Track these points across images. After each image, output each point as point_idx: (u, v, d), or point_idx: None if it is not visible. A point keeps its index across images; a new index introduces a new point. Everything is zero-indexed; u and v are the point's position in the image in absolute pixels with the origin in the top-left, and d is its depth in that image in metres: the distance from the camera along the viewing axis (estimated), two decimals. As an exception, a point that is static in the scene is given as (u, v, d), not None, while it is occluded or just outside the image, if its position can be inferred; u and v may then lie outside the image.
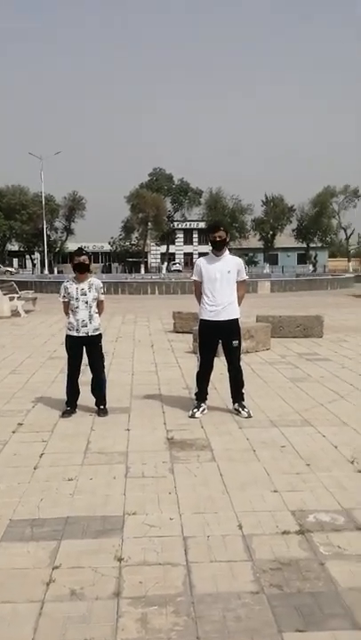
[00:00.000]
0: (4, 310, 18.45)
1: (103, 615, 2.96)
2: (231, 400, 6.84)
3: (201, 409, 6.68)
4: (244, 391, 6.85)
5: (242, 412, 6.63)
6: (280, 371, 9.29)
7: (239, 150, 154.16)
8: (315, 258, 76.98)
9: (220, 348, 6.84)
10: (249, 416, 6.56)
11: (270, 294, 30.93)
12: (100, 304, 6.89)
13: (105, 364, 7.11)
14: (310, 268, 70.39)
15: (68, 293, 6.76)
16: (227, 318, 6.57)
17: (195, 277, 6.81)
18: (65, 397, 6.91)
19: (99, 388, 6.90)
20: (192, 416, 6.57)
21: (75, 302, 6.72)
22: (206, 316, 6.64)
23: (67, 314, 6.84)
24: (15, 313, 18.83)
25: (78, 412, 6.80)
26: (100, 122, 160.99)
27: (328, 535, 3.79)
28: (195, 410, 6.67)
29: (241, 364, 6.92)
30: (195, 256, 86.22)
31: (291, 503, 4.28)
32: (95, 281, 6.87)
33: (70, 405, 6.84)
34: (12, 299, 19.39)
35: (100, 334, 6.92)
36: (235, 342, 6.68)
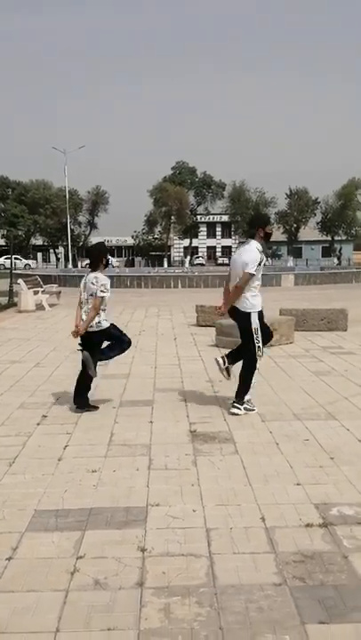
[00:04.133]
0: (28, 304, 18.61)
1: (126, 605, 2.99)
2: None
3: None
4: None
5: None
6: (304, 364, 9.25)
7: (264, 142, 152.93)
8: (339, 251, 76.19)
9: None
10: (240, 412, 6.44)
11: (294, 287, 30.77)
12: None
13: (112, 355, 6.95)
14: (335, 260, 69.75)
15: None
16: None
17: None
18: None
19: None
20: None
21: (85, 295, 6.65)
22: (261, 308, 6.47)
23: (101, 310, 6.54)
24: (40, 307, 18.99)
25: (102, 404, 6.82)
26: (124, 115, 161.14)
27: (352, 528, 3.77)
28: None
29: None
30: (218, 250, 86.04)
31: (314, 496, 4.27)
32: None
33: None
34: (36, 293, 19.57)
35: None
36: None
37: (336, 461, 4.98)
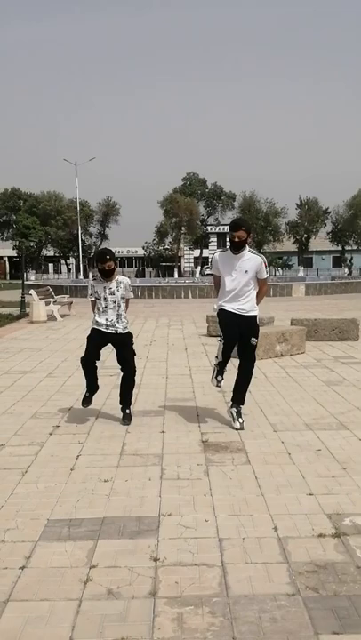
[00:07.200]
0: (40, 314, 18.71)
1: (139, 614, 2.99)
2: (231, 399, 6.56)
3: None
4: (248, 393, 6.57)
5: (235, 420, 6.34)
6: (315, 374, 9.23)
7: (274, 153, 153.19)
8: (350, 261, 75.98)
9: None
10: (241, 427, 6.27)
11: (305, 297, 30.72)
12: (126, 302, 6.66)
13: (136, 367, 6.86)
14: (346, 271, 69.57)
15: (96, 292, 6.57)
16: (245, 314, 6.26)
17: (213, 272, 6.55)
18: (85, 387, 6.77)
19: (128, 388, 6.70)
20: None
21: (103, 302, 6.52)
22: (225, 307, 6.30)
23: (95, 311, 6.67)
24: (51, 317, 19.09)
25: (113, 414, 6.83)
26: (135, 126, 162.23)
27: (365, 539, 3.76)
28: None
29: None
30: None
31: (327, 506, 4.26)
32: (124, 279, 6.63)
33: (91, 391, 6.70)
34: (48, 303, 19.68)
35: (130, 333, 6.72)
36: (253, 340, 6.30)
37: (348, 471, 4.96)
